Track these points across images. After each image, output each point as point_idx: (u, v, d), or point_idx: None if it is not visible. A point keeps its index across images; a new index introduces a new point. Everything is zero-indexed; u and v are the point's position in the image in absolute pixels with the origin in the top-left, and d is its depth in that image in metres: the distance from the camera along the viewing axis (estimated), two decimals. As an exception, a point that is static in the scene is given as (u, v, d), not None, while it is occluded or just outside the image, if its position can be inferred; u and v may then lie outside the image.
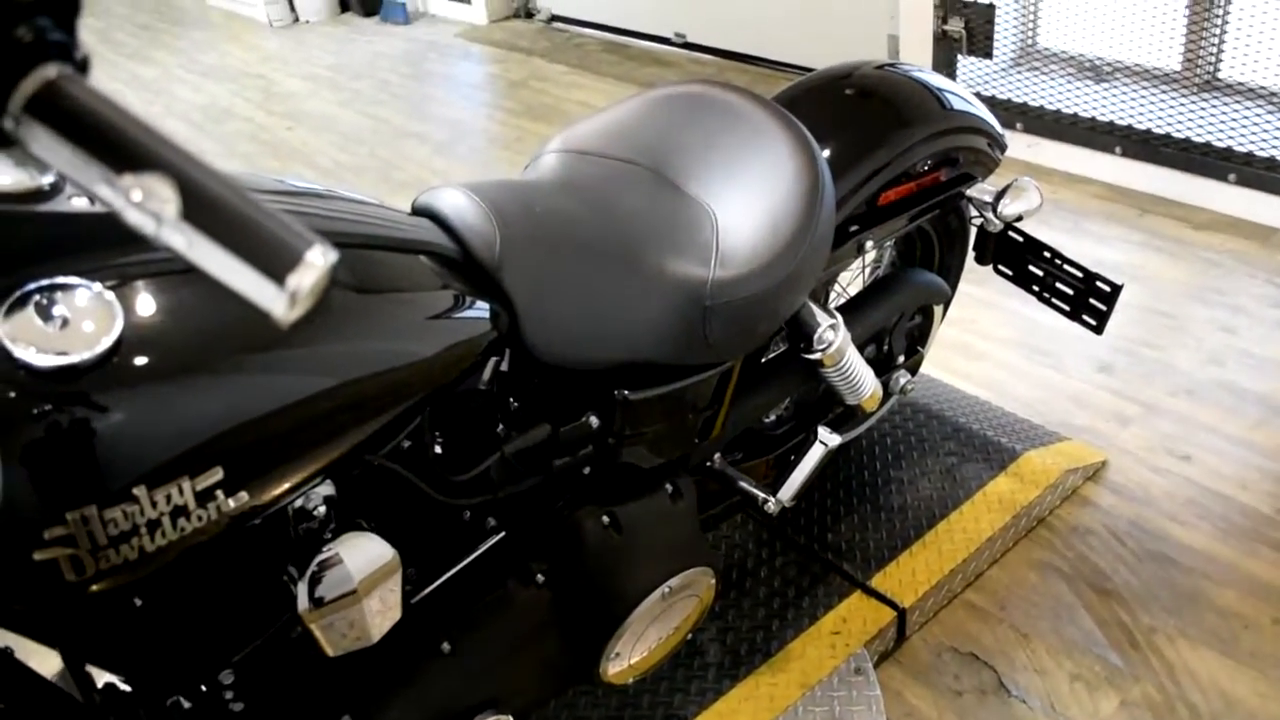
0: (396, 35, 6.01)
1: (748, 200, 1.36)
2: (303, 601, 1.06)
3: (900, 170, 1.62)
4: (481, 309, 1.16)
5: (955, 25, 3.42)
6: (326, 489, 1.11)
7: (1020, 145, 3.43)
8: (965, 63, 3.50)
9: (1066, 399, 2.37)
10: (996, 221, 1.79)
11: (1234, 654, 1.74)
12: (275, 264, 0.62)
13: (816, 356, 1.50)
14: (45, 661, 1.07)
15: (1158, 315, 2.63)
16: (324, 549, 1.07)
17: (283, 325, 0.63)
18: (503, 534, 1.33)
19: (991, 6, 3.34)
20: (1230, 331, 2.54)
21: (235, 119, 4.92)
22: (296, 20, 6.52)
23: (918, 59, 3.60)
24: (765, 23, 4.51)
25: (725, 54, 4.77)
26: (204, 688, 1.11)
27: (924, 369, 2.39)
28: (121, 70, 5.97)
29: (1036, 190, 1.75)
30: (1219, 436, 2.22)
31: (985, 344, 2.58)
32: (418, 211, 1.26)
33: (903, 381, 1.85)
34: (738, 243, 1.32)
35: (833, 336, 1.48)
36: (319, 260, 0.62)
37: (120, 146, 0.62)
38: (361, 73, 5.39)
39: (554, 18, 5.72)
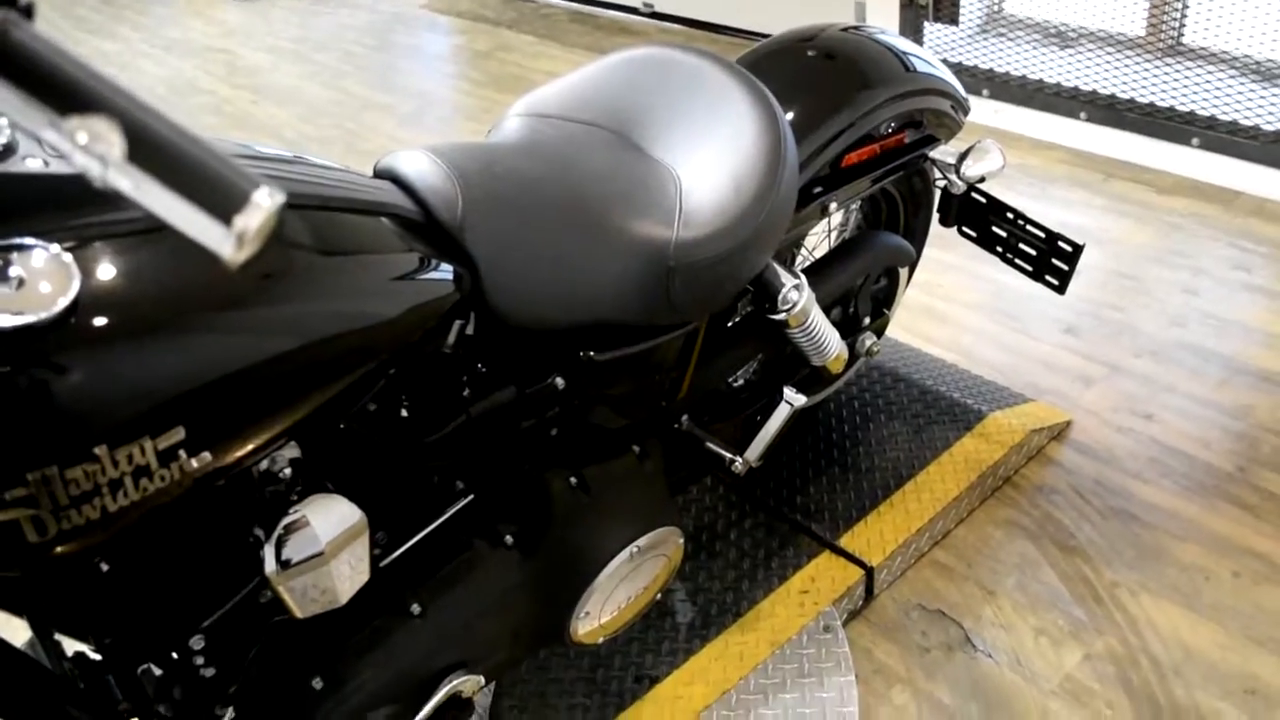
0: (361, 7, 5.94)
1: (710, 161, 1.37)
2: (270, 564, 1.06)
3: (864, 132, 1.63)
4: (444, 271, 1.15)
5: (922, -9, 3.43)
6: (292, 451, 1.10)
7: (987, 111, 3.45)
8: (932, 29, 3.51)
9: (1032, 361, 2.39)
10: (960, 183, 1.80)
11: (1195, 607, 1.78)
12: (222, 205, 0.62)
13: (781, 317, 1.51)
14: (14, 633, 1.07)
15: (1122, 278, 2.65)
16: (290, 511, 1.07)
17: (231, 266, 0.63)
18: (471, 496, 1.34)
19: (957, -28, 3.35)
20: (1193, 293, 2.57)
21: (200, 93, 4.86)
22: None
23: (886, 25, 3.60)
24: (733, -9, 4.50)
25: (693, 23, 4.76)
26: (174, 654, 1.11)
27: (891, 332, 2.41)
28: (85, 46, 5.87)
29: (999, 151, 1.76)
30: (1181, 396, 2.25)
31: (951, 307, 2.60)
32: (380, 174, 1.26)
33: (869, 343, 1.86)
34: (701, 203, 1.32)
35: (797, 297, 1.49)
36: (266, 201, 0.62)
37: (65, 90, 0.62)
38: (326, 45, 5.33)
39: (521, -12, 5.67)
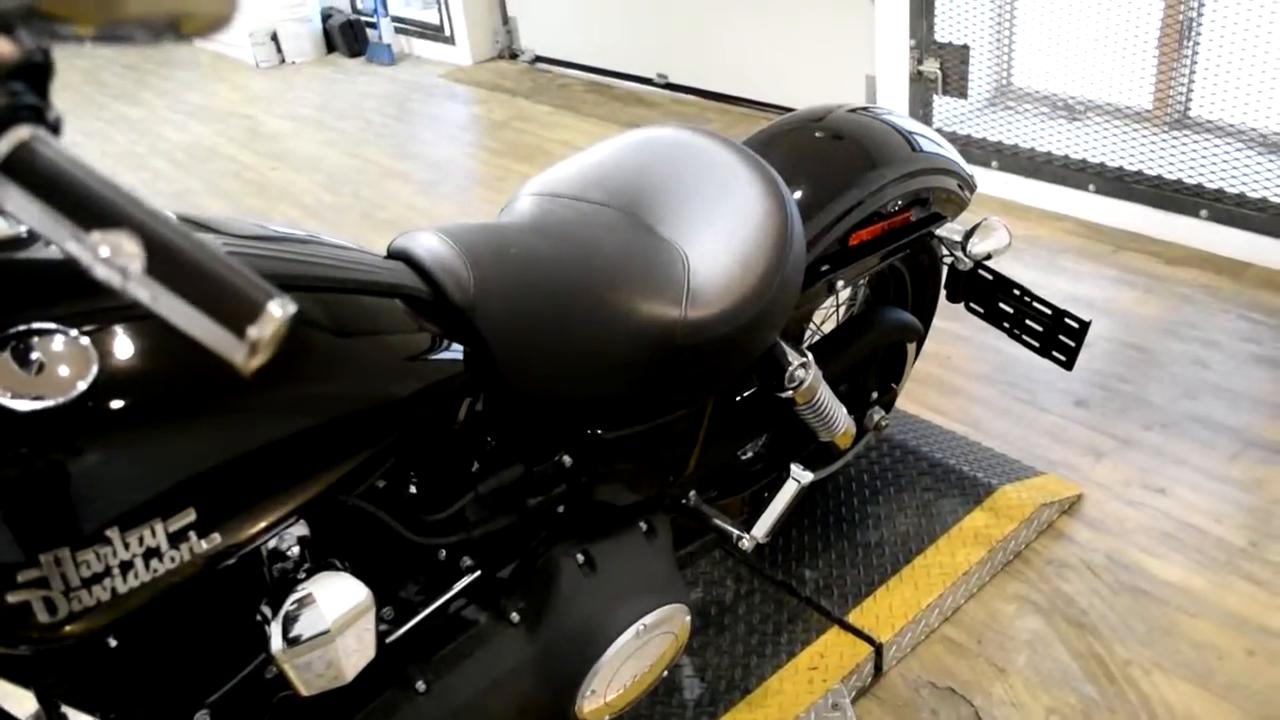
0: (381, 76, 6.07)
1: (718, 241, 1.39)
2: (276, 642, 1.07)
3: (871, 210, 1.65)
4: (455, 350, 1.17)
5: (931, 66, 3.48)
6: (300, 529, 1.12)
7: (996, 183, 3.49)
8: (941, 102, 3.56)
9: (1041, 433, 2.39)
10: (966, 260, 1.82)
11: (1209, 686, 1.76)
12: (235, 315, 0.64)
13: (789, 395, 1.52)
14: (19, 704, 1.07)
15: (1132, 350, 2.66)
16: (297, 589, 1.08)
17: (244, 374, 0.65)
18: (478, 573, 1.34)
19: (966, 48, 3.40)
20: (1203, 365, 2.57)
21: (220, 158, 4.95)
22: (283, 61, 6.58)
23: (895, 99, 3.66)
24: (746, 64, 4.57)
25: (707, 94, 4.84)
26: None
27: (900, 404, 2.42)
28: (108, 111, 6.01)
29: (1005, 229, 1.78)
30: (1193, 470, 2.24)
31: (960, 379, 2.61)
32: (393, 255, 1.28)
33: (877, 418, 1.87)
34: (708, 283, 1.35)
35: (804, 375, 1.50)
36: (278, 311, 0.64)
37: (88, 205, 0.64)
38: (346, 113, 5.44)
39: (538, 59, 5.78)
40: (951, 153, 1.80)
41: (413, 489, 1.25)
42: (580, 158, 1.55)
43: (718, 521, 1.58)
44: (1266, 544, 2.03)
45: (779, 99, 4.45)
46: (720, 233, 1.40)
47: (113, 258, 0.64)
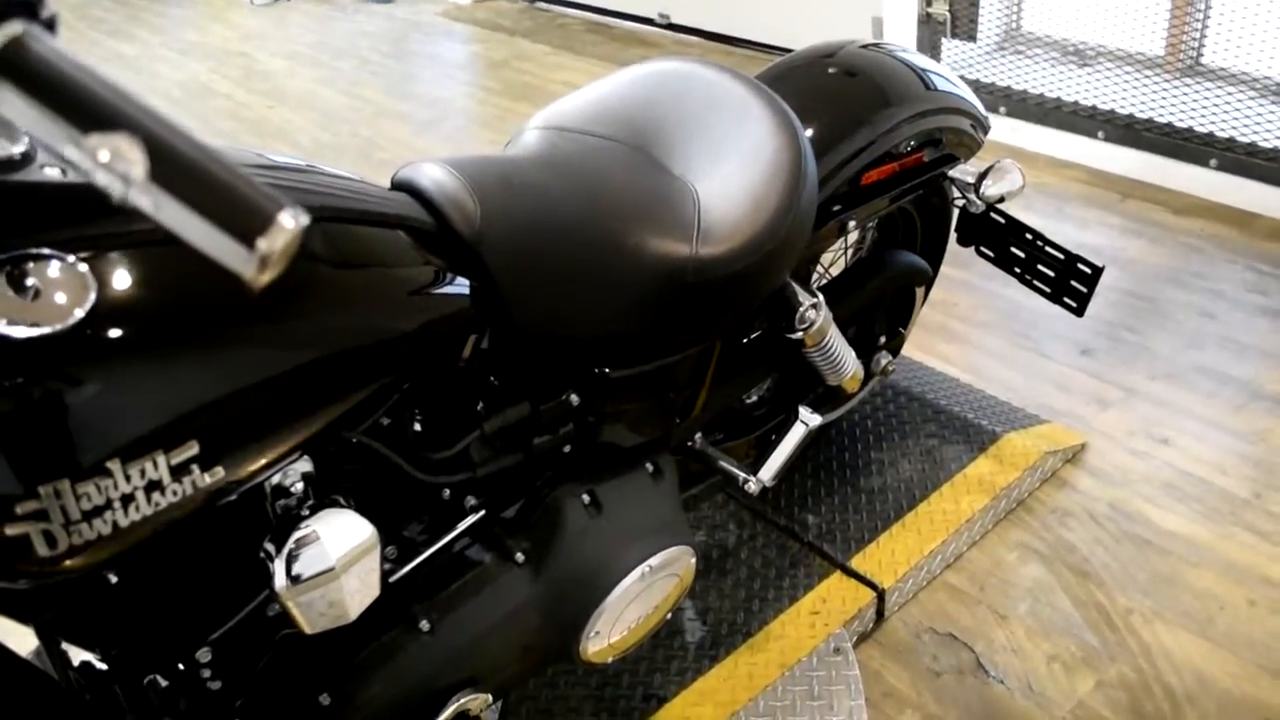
0: (378, 14, 5.96)
1: (729, 178, 1.36)
2: (280, 579, 1.05)
3: (883, 150, 1.62)
4: (460, 285, 1.15)
5: (940, 8, 3.42)
6: (304, 465, 1.10)
7: (1004, 129, 3.44)
8: (949, 45, 3.50)
9: (1046, 382, 2.38)
10: (979, 203, 1.79)
11: (1209, 635, 1.76)
12: (245, 226, 0.61)
13: (798, 336, 1.50)
14: (19, 641, 1.06)
15: (1138, 299, 2.64)
16: (301, 525, 1.06)
17: (253, 288, 0.62)
18: (482, 513, 1.33)
19: (976, -11, 3.34)
20: (1210, 316, 2.55)
21: (216, 96, 4.87)
22: (278, -2, 6.45)
23: (902, 41, 3.60)
24: (750, 4, 4.49)
25: (709, 35, 4.76)
26: (181, 666, 1.10)
27: (905, 351, 2.40)
28: (102, 47, 5.90)
29: (1019, 172, 1.75)
30: (1198, 420, 2.23)
31: (965, 327, 2.59)
32: (396, 186, 1.25)
33: (884, 362, 1.85)
34: (720, 220, 1.31)
35: (815, 316, 1.48)
36: (290, 222, 0.61)
37: (87, 106, 0.61)
38: (343, 51, 5.34)
39: (537, -3, 5.69)
40: (966, 92, 1.77)
41: (417, 427, 1.23)
42: (588, 90, 1.51)
43: (724, 464, 1.57)
44: (1269, 495, 2.02)
45: (783, 40, 4.38)
46: (732, 168, 1.36)
47: (113, 163, 0.60)
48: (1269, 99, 2.96)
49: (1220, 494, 2.04)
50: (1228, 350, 2.43)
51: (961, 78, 3.33)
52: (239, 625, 1.13)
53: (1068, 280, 1.80)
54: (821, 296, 1.50)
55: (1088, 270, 1.77)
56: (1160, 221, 2.97)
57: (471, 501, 1.32)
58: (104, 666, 1.13)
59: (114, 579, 1.00)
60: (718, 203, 1.33)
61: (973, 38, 3.40)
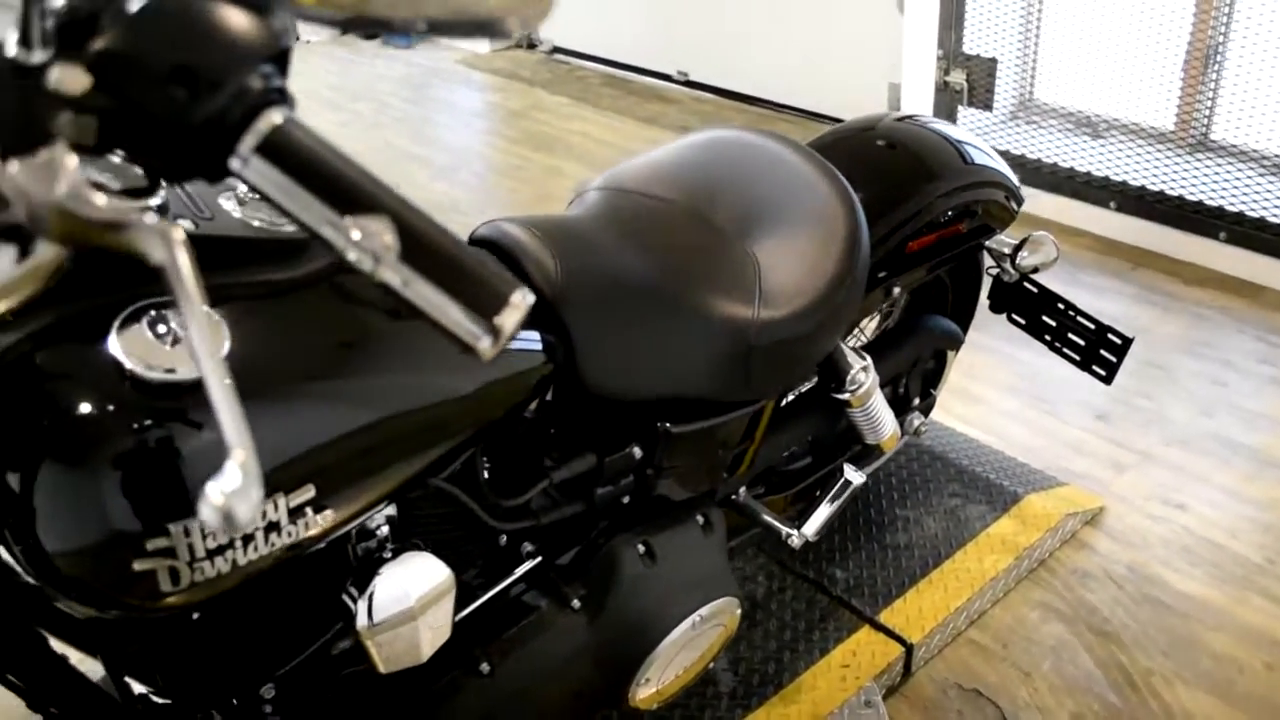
0: (398, 59, 6.06)
1: (788, 243, 1.42)
2: (362, 618, 1.09)
3: (926, 220, 1.69)
4: (537, 341, 1.20)
5: (957, 77, 3.52)
6: (390, 510, 1.15)
7: (1017, 195, 3.53)
8: (965, 114, 3.60)
9: (1064, 445, 2.44)
10: (1013, 273, 1.86)
11: (1229, 697, 1.80)
12: (484, 304, 0.66)
13: (846, 397, 1.55)
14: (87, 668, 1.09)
15: (1151, 367, 2.70)
16: (383, 569, 1.11)
17: (485, 360, 0.67)
18: (539, 559, 1.37)
19: (994, 61, 3.44)
20: (1221, 385, 2.62)
21: (236, 136, 4.94)
22: (298, 39, 6.54)
23: (919, 108, 3.70)
24: (767, 65, 4.60)
25: (727, 93, 4.86)
26: (237, 701, 1.13)
27: (927, 411, 2.45)
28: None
29: (1053, 244, 1.82)
30: (1211, 486, 2.29)
31: (984, 389, 2.65)
32: (475, 242, 1.30)
33: (917, 423, 1.90)
34: (781, 284, 1.37)
35: (865, 378, 1.54)
36: (522, 301, 0.67)
37: (343, 189, 0.67)
38: (361, 95, 5.43)
39: (556, 49, 5.79)
40: (1001, 165, 1.84)
41: (486, 474, 1.28)
42: (652, 153, 1.57)
43: (767, 518, 1.62)
44: (1284, 562, 2.08)
45: (799, 102, 4.48)
46: (791, 234, 1.43)
47: (365, 241, 0.66)
48: (1276, 175, 3.05)
49: (1234, 559, 2.09)
50: (1239, 418, 2.49)
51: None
52: (304, 663, 1.17)
53: (1097, 350, 1.87)
54: (870, 359, 1.56)
55: (1118, 340, 1.84)
56: (1171, 291, 3.05)
57: (528, 548, 1.36)
58: (164, 700, 1.15)
59: (197, 616, 1.04)
60: (778, 267, 1.40)
61: (989, 107, 3.50)
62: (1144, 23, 3.21)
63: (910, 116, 1.85)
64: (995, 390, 2.64)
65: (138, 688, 1.17)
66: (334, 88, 5.59)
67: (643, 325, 1.27)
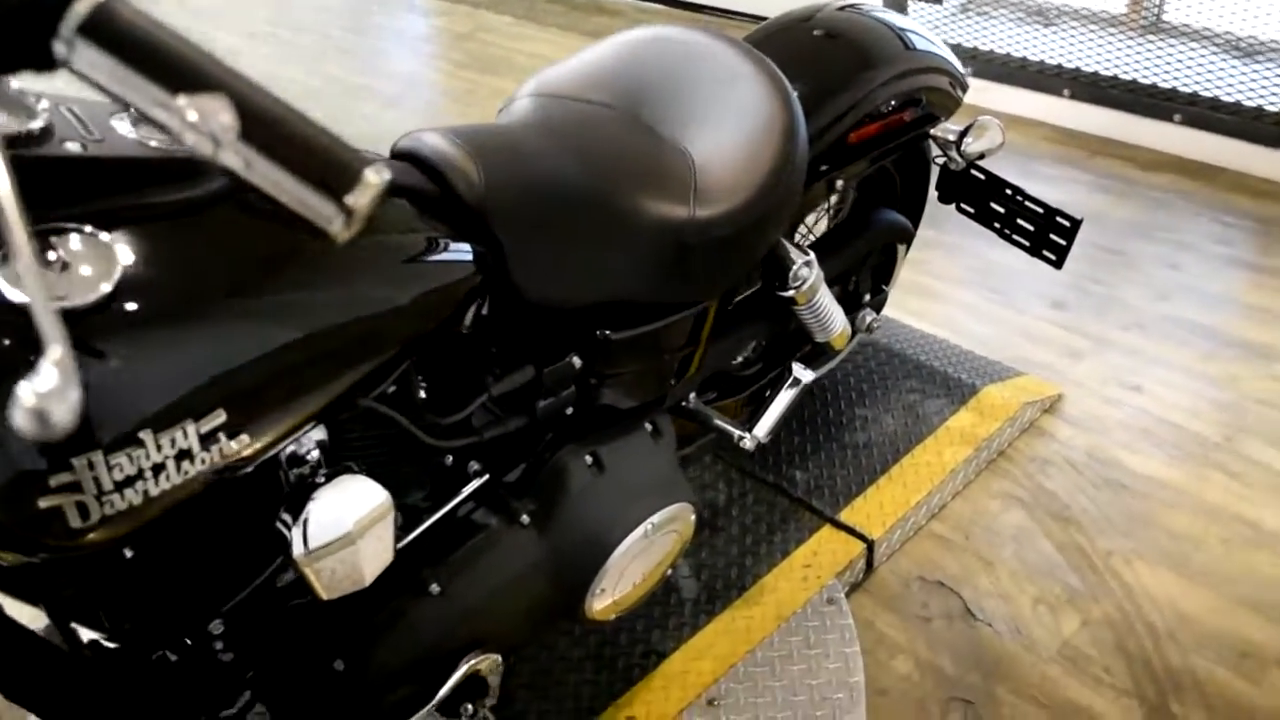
0: (338, -12, 5.89)
1: (723, 140, 1.38)
2: (298, 546, 1.07)
3: (867, 110, 1.65)
4: (466, 251, 1.16)
5: (905, -30, 3.44)
6: (319, 433, 1.11)
7: (971, 89, 3.47)
8: (915, 7, 3.53)
9: (1020, 335, 2.43)
10: (960, 160, 1.82)
11: (1187, 573, 1.82)
12: (334, 183, 0.63)
13: (790, 294, 1.53)
14: (31, 620, 1.07)
15: (1107, 253, 2.69)
16: (316, 493, 1.08)
17: (338, 242, 0.64)
18: (486, 477, 1.35)
19: (940, -49, 3.36)
20: (1177, 268, 2.62)
21: (175, 75, 4.81)
22: (234, -28, 6.35)
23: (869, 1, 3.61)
24: (714, -30, 4.49)
25: (672, 1, 4.75)
26: (191, 640, 1.11)
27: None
28: (53, 26, 5.80)
29: (999, 129, 1.78)
30: (1169, 368, 2.29)
31: (940, 284, 2.63)
32: (397, 155, 1.26)
33: (869, 319, 1.88)
34: (715, 182, 1.34)
35: (807, 273, 1.51)
36: (375, 179, 0.63)
37: (175, 68, 0.62)
38: (303, 27, 5.29)
39: (499, -32, 5.64)
40: (944, 51, 1.80)
41: (423, 393, 1.25)
42: (580, 56, 1.52)
43: (719, 422, 1.60)
44: (1240, 438, 2.09)
45: (748, 6, 4.39)
46: (725, 130, 1.39)
47: (202, 122, 0.62)
48: (1230, 55, 3.01)
49: (1193, 438, 2.10)
50: (1195, 300, 2.49)
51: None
52: (250, 596, 1.14)
53: (1047, 234, 1.84)
54: (813, 254, 1.53)
55: (1066, 223, 1.81)
56: (1127, 176, 3.03)
57: (475, 466, 1.34)
58: (113, 645, 1.13)
59: (130, 554, 1.01)
60: (713, 165, 1.36)
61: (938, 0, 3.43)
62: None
63: (851, 5, 1.80)
64: (950, 284, 2.62)
65: (86, 634, 1.15)
66: (273, 21, 5.43)
67: (574, 230, 1.23)
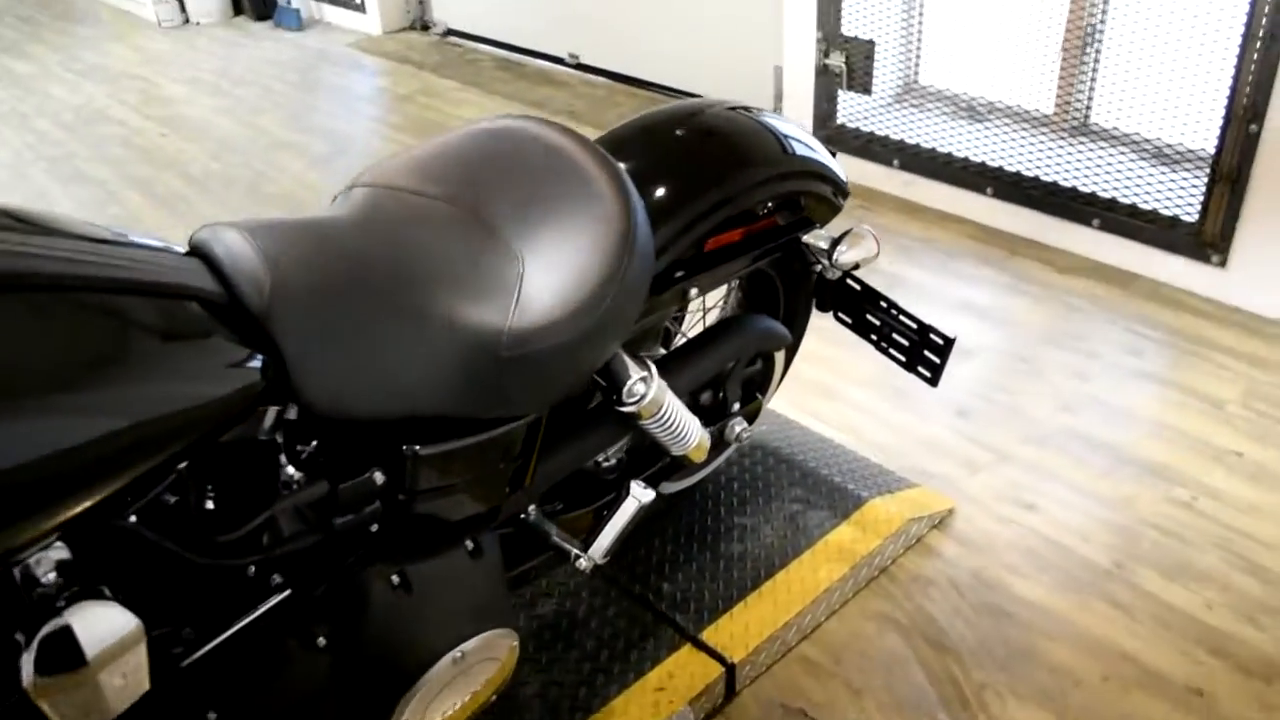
0: (287, 42, 5.85)
1: (556, 245, 1.30)
2: (27, 675, 0.96)
3: (736, 212, 1.58)
4: (249, 358, 1.07)
5: (836, 60, 3.42)
6: (59, 553, 1.01)
7: (897, 183, 3.45)
8: (845, 98, 3.50)
9: (920, 444, 2.35)
10: (833, 269, 1.75)
11: (1063, 712, 1.73)
12: None
13: (630, 410, 1.44)
14: None
15: (1017, 360, 2.63)
16: (51, 621, 0.98)
17: None
18: (288, 592, 1.24)
19: (871, 44, 3.34)
20: (1084, 378, 2.56)
21: (109, 122, 4.73)
22: (187, 21, 6.31)
23: (801, 91, 3.60)
24: (658, 48, 4.48)
25: (617, 76, 4.73)
26: None
27: (779, 408, 2.36)
28: (-6, 65, 5.72)
29: (873, 238, 1.72)
30: (1065, 486, 2.22)
31: (843, 384, 2.56)
32: (194, 248, 1.17)
33: (739, 429, 1.80)
34: (540, 290, 1.26)
35: (644, 389, 1.42)
36: None
37: None
38: (246, 79, 5.23)
39: (449, 31, 5.62)
40: (825, 157, 1.74)
41: (209, 504, 1.15)
42: (422, 147, 1.45)
43: (556, 539, 1.50)
44: (1130, 565, 2.01)
45: (688, 85, 4.37)
46: (560, 236, 1.31)
47: None
48: (1151, 162, 2.99)
49: (1081, 563, 2.02)
50: (1099, 413, 2.43)
51: (856, 130, 3.34)
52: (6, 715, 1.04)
53: (922, 350, 1.77)
54: (654, 368, 1.45)
55: (940, 341, 1.74)
56: (1044, 280, 2.98)
57: (277, 579, 1.24)
58: None
59: None
60: (541, 272, 1.28)
61: (868, 90, 3.41)
62: (1023, 3, 3.14)
63: (742, 107, 1.74)
64: (853, 384, 2.55)
65: None
66: (219, 72, 5.38)
67: (370, 339, 1.14)
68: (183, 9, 6.30)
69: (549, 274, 1.27)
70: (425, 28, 5.75)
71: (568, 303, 1.25)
